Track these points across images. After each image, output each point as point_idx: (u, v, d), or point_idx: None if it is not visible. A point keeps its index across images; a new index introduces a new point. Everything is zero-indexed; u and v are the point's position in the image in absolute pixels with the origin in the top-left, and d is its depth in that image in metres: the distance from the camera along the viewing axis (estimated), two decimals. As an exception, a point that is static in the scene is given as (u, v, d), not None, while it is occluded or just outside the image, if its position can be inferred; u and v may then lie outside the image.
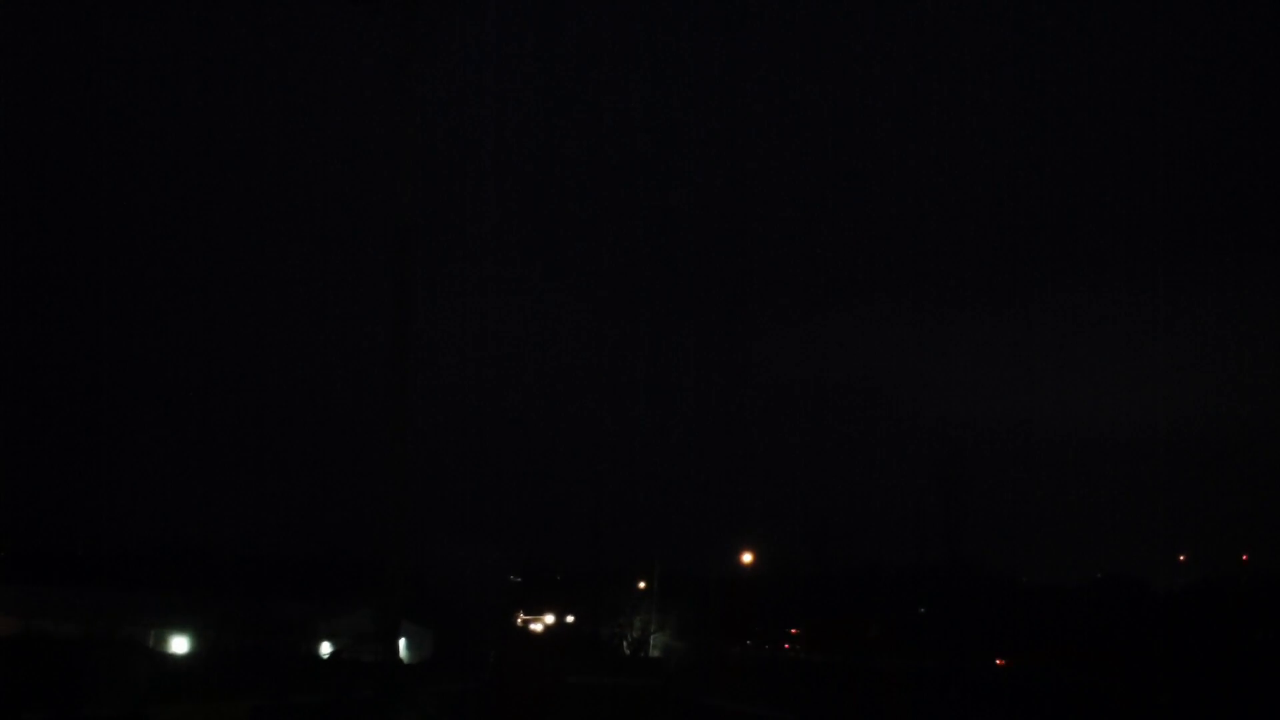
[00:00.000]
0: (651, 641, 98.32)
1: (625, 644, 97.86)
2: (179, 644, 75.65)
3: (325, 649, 77.00)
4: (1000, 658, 70.41)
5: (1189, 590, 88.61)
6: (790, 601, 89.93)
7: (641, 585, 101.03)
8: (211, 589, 75.49)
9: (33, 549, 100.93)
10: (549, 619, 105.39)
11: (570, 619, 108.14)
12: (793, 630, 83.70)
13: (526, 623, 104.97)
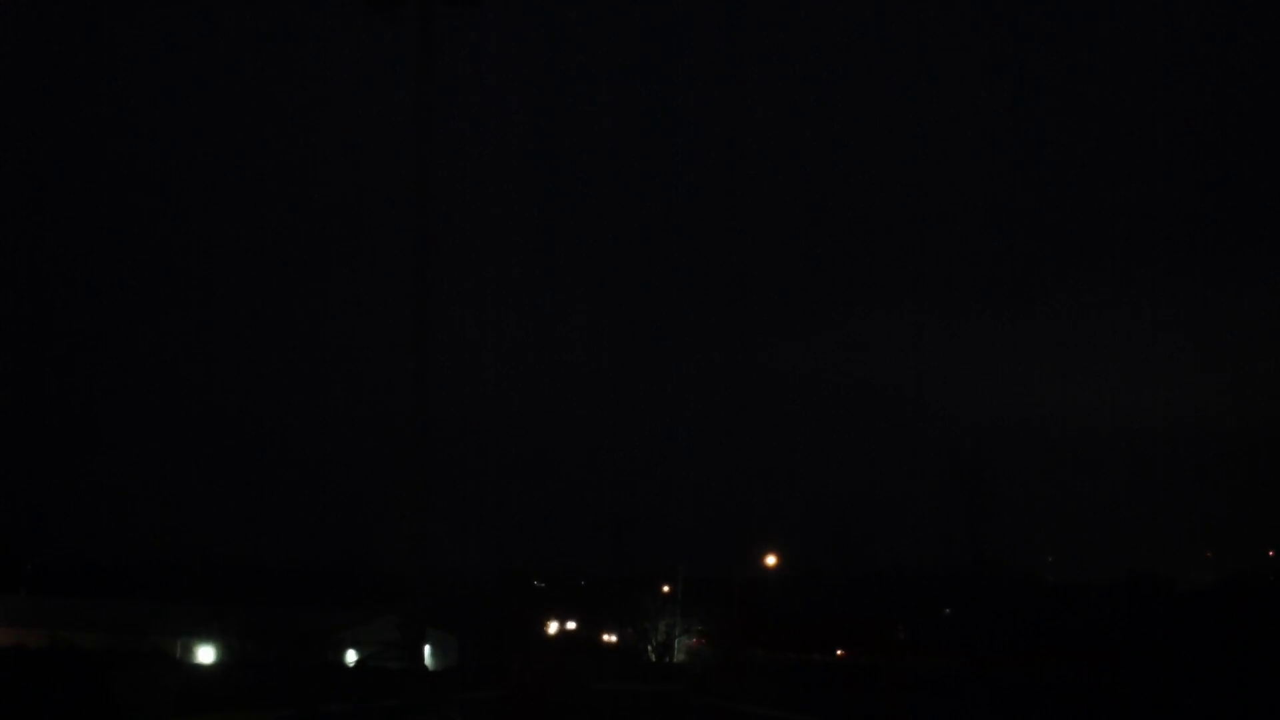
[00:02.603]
0: (676, 646, 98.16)
1: (650, 649, 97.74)
2: (205, 654, 75.94)
3: (351, 657, 77.13)
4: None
5: (1215, 587, 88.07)
6: (815, 604, 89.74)
7: (666, 589, 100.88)
8: (237, 599, 75.72)
9: (59, 561, 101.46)
10: (612, 638, 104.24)
11: (571, 625, 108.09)
12: (818, 632, 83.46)
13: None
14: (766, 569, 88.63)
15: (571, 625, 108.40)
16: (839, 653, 78.17)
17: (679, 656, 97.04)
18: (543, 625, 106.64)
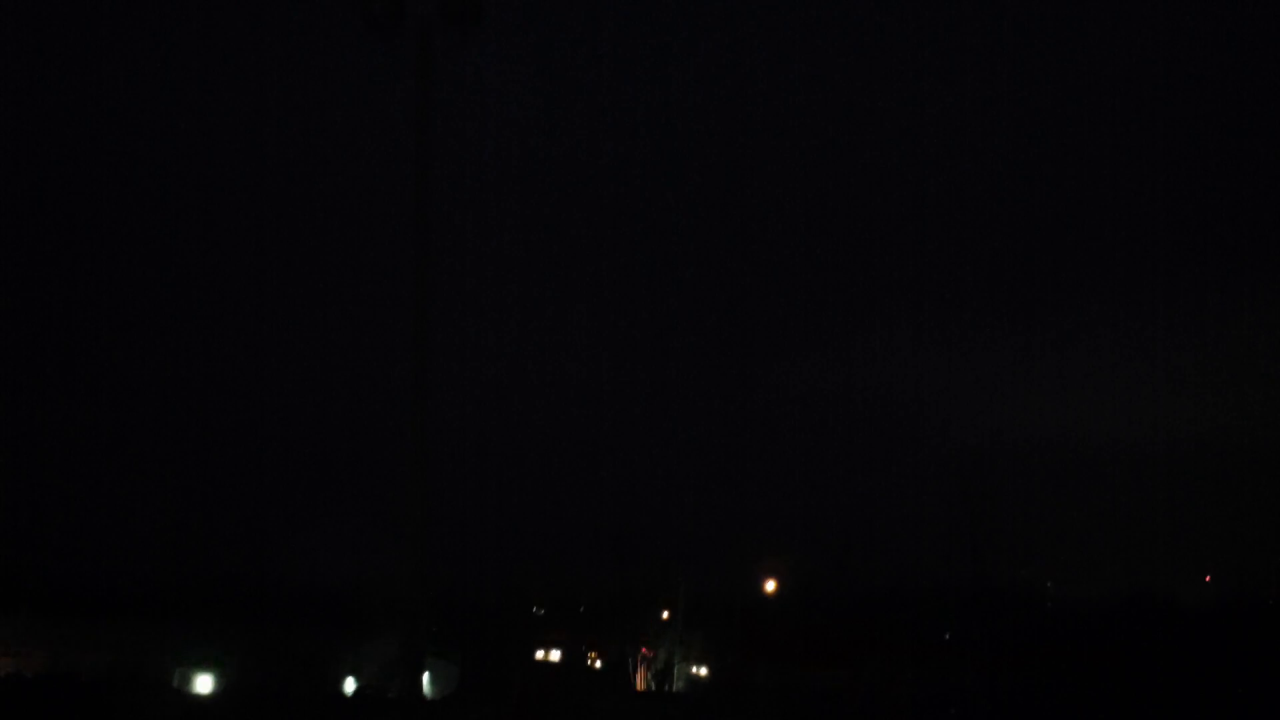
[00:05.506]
0: (675, 671, 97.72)
1: (651, 673, 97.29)
2: (205, 678, 75.63)
3: (350, 685, 76.92)
4: (1026, 675, 69.74)
5: (1218, 605, 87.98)
6: (816, 621, 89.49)
7: (665, 615, 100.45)
8: (238, 621, 75.53)
9: (59, 581, 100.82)
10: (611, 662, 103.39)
11: (571, 649, 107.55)
12: (820, 650, 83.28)
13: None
14: (768, 588, 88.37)
15: (571, 650, 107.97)
16: (841, 671, 78.00)
17: (679, 684, 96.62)
18: (542, 651, 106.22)
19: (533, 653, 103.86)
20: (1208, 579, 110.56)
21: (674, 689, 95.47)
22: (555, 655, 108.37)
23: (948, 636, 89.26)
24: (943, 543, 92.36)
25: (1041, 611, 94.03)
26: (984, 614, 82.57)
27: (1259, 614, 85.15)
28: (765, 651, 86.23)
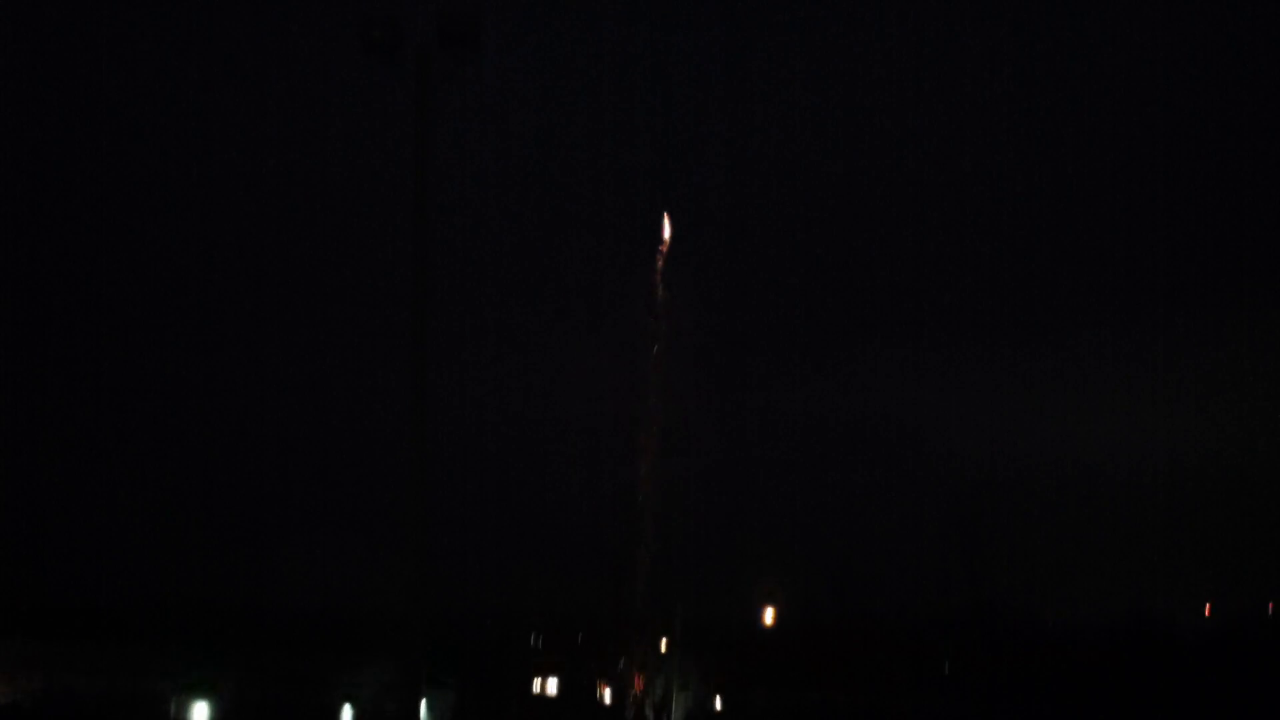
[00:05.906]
0: (674, 701, 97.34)
1: (648, 703, 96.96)
2: (201, 702, 75.46)
3: (346, 711, 76.70)
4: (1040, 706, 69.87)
5: (1217, 632, 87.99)
6: (814, 649, 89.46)
7: (664, 643, 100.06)
8: (234, 642, 75.43)
9: (54, 603, 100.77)
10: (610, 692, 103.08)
11: (569, 680, 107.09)
12: (817, 673, 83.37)
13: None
14: (765, 615, 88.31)
15: (568, 680, 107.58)
16: (839, 696, 78.05)
17: (677, 712, 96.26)
18: (539, 681, 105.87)
19: (530, 684, 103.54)
20: (1208, 609, 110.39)
21: (672, 715, 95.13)
22: (551, 685, 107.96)
23: (946, 664, 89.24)
24: (942, 566, 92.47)
25: (1042, 635, 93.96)
26: (983, 639, 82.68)
27: (1261, 639, 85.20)
28: (761, 678, 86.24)
